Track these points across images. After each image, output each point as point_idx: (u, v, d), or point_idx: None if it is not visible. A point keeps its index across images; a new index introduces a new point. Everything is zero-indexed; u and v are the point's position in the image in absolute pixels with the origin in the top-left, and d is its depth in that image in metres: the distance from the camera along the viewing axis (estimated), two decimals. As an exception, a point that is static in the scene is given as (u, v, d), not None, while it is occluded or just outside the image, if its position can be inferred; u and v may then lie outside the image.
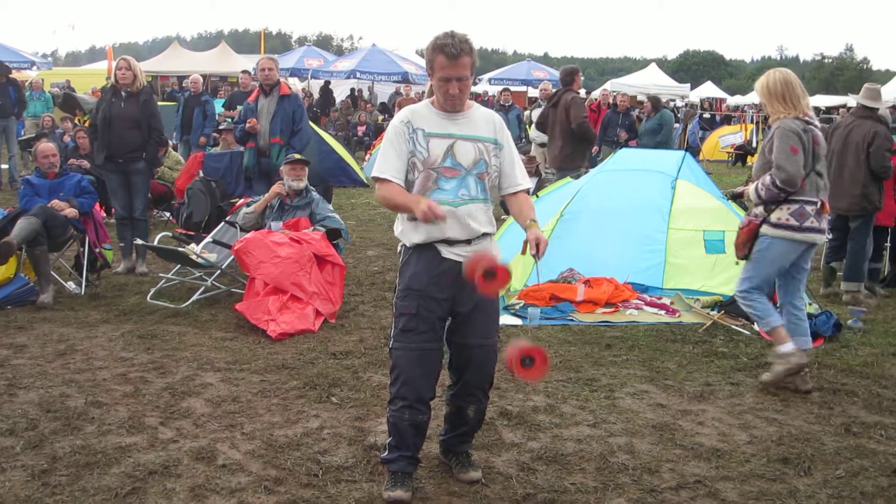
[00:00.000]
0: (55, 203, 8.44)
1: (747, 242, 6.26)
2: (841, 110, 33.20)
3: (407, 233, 4.39)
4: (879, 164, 8.61)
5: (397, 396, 4.38)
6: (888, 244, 9.72)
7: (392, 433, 4.45)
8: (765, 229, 6.15)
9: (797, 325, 6.31)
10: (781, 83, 6.15)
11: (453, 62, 4.18)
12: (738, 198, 7.52)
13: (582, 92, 37.25)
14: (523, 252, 4.34)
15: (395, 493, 4.33)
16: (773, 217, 6.11)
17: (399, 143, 4.32)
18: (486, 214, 4.45)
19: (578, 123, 10.73)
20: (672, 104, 33.27)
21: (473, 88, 37.23)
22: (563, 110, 10.88)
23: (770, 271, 6.23)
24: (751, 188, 6.33)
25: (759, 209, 6.21)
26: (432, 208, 4.10)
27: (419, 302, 4.31)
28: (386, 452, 4.50)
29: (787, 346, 6.05)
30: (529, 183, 4.69)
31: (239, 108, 11.70)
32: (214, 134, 14.90)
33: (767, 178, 6.06)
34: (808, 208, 6.06)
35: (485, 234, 4.44)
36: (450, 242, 4.33)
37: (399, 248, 4.54)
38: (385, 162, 4.33)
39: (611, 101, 17.67)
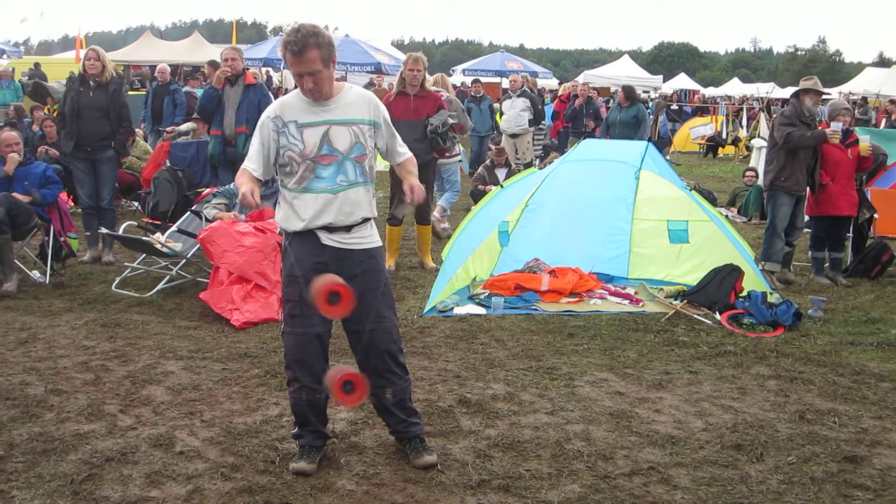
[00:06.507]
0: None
1: None
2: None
3: (288, 219, 4.45)
4: (777, 134, 9.10)
5: (293, 379, 4.54)
6: (850, 234, 9.84)
7: (294, 412, 4.64)
8: None
9: None
10: None
11: (299, 58, 4.22)
12: None
13: (555, 82, 37.09)
14: (404, 197, 4.48)
15: (298, 465, 4.52)
16: None
17: (265, 138, 4.40)
18: (366, 197, 4.51)
19: None
20: (646, 95, 33.40)
21: (448, 80, 37.21)
22: None
23: None
24: None
25: None
26: (245, 196, 4.22)
27: (303, 288, 4.35)
28: (295, 429, 4.68)
29: None
30: (409, 152, 4.76)
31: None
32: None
33: None
34: None
35: (365, 220, 4.51)
36: (329, 229, 4.40)
37: (279, 230, 4.64)
38: (249, 156, 4.45)
39: (578, 91, 17.74)
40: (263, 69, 26.35)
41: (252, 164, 4.41)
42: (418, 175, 9.26)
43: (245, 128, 9.33)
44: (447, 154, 11.11)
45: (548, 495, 4.35)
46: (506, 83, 28.53)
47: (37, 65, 26.45)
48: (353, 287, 4.39)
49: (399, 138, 4.70)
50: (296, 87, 4.42)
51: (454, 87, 30.48)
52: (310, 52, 4.21)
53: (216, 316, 7.31)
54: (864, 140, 9.35)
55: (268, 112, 4.44)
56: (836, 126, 9.08)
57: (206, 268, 8.29)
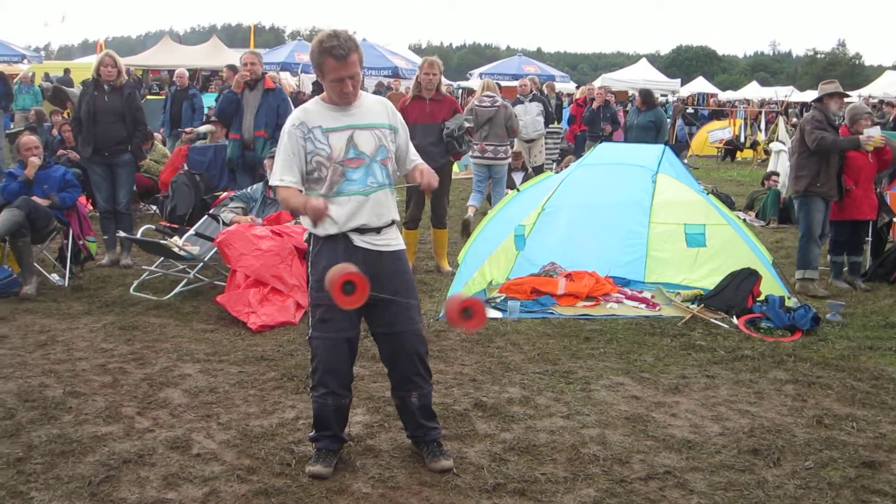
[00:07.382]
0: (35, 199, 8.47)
1: None
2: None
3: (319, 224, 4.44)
4: (809, 138, 8.96)
5: (319, 384, 4.54)
6: (869, 238, 9.78)
7: (316, 417, 4.64)
8: None
9: None
10: None
11: (343, 62, 4.28)
12: None
13: (573, 86, 37.10)
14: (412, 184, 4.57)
15: (315, 468, 4.52)
16: None
17: (294, 147, 4.39)
18: (392, 200, 4.57)
19: None
20: (664, 99, 33.31)
21: (465, 84, 37.25)
22: None
23: None
24: None
25: None
26: (317, 206, 4.21)
27: None
28: (313, 432, 4.69)
29: None
30: (421, 160, 4.75)
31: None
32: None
33: None
34: None
35: (393, 222, 4.57)
36: (361, 231, 4.43)
37: (305, 237, 4.64)
38: (282, 169, 4.42)
39: (595, 95, 17.70)
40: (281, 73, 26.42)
41: (291, 177, 4.39)
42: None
43: (264, 132, 9.37)
44: (501, 157, 11.19)
45: (563, 499, 4.35)
46: (523, 87, 28.56)
47: (66, 70, 26.56)
48: (386, 289, 4.42)
49: (413, 147, 4.73)
50: (313, 92, 4.45)
51: (469, 91, 30.52)
52: (352, 55, 4.29)
53: (233, 319, 7.33)
54: (874, 130, 9.22)
55: (291, 121, 4.45)
56: (872, 132, 9.02)
57: (223, 271, 8.32)
